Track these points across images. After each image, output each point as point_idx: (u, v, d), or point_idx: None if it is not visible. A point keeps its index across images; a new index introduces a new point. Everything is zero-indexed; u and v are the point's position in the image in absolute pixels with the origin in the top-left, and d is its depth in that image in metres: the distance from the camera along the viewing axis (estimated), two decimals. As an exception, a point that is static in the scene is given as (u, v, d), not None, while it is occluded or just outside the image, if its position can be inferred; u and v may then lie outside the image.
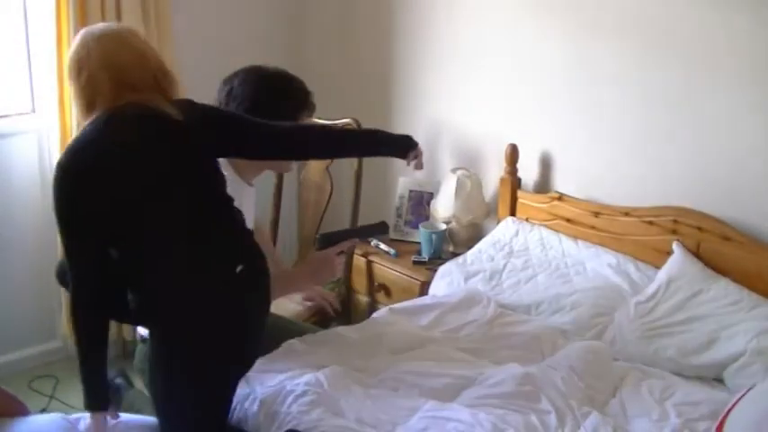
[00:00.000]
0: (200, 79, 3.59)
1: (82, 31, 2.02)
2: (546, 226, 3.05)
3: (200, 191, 1.96)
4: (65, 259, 1.98)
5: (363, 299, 3.33)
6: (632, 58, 2.82)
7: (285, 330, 2.46)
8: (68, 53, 2.01)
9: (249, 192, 2.41)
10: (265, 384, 2.19)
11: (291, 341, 2.42)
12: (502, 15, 3.16)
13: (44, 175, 3.21)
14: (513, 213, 3.17)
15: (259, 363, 2.22)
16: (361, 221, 3.42)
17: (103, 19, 3.06)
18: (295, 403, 2.09)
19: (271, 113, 2.21)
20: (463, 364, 2.35)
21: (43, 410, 2.95)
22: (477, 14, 3.25)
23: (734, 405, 2.02)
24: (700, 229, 2.66)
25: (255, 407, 2.12)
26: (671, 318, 2.50)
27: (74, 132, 3.06)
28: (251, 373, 2.18)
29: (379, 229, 2.68)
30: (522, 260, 2.94)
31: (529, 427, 2.04)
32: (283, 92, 2.36)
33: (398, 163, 3.62)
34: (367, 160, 3.35)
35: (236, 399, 2.11)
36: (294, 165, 2.66)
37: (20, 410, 2.12)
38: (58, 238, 3.06)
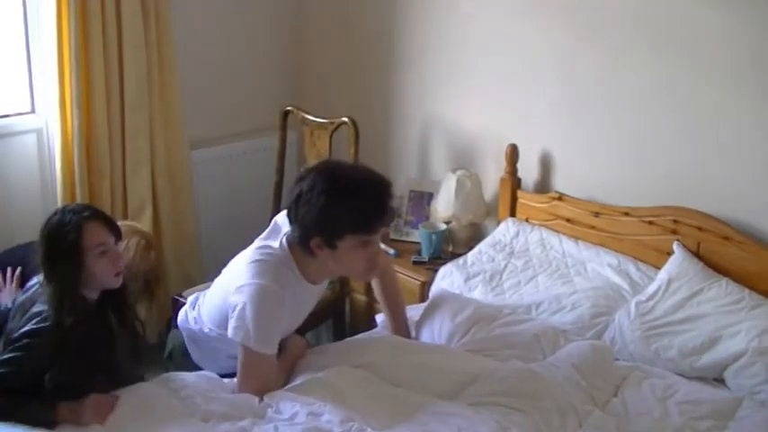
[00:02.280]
0: (200, 79, 3.62)
1: None
2: (546, 226, 3.06)
3: None
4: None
5: (361, 298, 3.33)
6: (633, 58, 2.82)
7: None
8: None
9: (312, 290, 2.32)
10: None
11: None
12: (502, 15, 3.17)
13: (44, 175, 3.21)
14: (513, 213, 3.17)
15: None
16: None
17: (103, 19, 3.05)
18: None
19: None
20: (465, 361, 2.35)
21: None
22: (477, 14, 3.25)
23: None
24: (700, 229, 2.67)
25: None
26: (671, 317, 2.51)
27: (74, 132, 3.07)
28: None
29: None
30: (522, 261, 2.94)
31: (531, 426, 2.05)
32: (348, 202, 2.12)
33: (398, 163, 3.66)
34: (366, 160, 3.34)
35: None
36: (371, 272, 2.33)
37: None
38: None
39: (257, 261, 2.19)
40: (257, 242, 2.30)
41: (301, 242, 2.16)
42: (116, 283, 2.22)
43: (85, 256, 2.12)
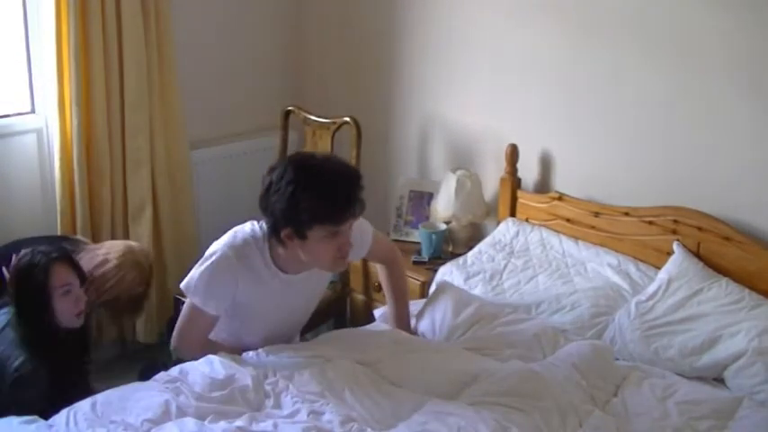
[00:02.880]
0: (200, 79, 3.62)
1: None
2: (546, 226, 3.06)
3: None
4: None
5: (360, 297, 3.33)
6: (632, 58, 2.83)
7: None
8: None
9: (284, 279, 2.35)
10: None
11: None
12: (502, 16, 3.17)
13: (44, 175, 3.21)
14: (513, 213, 3.17)
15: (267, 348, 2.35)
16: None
17: (103, 19, 3.05)
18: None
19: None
20: (466, 361, 2.36)
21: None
22: (477, 15, 3.25)
23: None
24: (700, 229, 2.67)
25: (249, 381, 2.18)
26: (671, 317, 2.51)
27: (74, 132, 3.07)
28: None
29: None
30: (522, 260, 2.94)
31: (531, 425, 2.05)
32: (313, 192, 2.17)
33: (398, 163, 3.66)
34: (366, 160, 3.35)
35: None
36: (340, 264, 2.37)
37: None
38: (58, 239, 3.08)
39: (232, 232, 2.33)
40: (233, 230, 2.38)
41: (272, 231, 2.23)
42: (77, 323, 2.40)
43: (51, 295, 2.31)
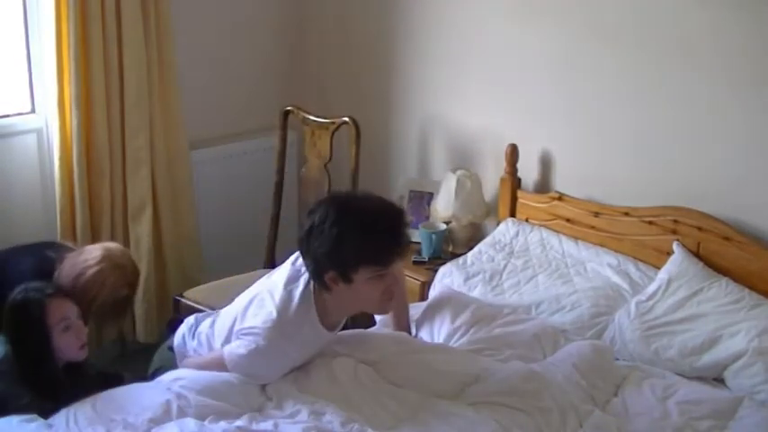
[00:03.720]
0: (200, 79, 3.62)
1: None
2: (546, 226, 3.06)
3: None
4: None
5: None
6: (632, 58, 2.83)
7: None
8: None
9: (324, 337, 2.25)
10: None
11: None
12: (502, 15, 3.17)
13: (44, 175, 3.21)
14: (513, 213, 3.17)
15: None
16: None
17: (103, 19, 3.05)
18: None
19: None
20: (466, 361, 2.36)
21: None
22: (477, 14, 3.25)
23: None
24: (700, 229, 2.67)
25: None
26: (671, 317, 2.51)
27: (73, 132, 3.07)
28: None
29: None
30: (522, 260, 2.94)
31: (532, 425, 2.06)
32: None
33: (398, 163, 3.66)
34: (366, 160, 3.35)
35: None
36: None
37: None
38: (58, 238, 3.08)
39: (284, 293, 2.15)
40: (281, 280, 2.20)
41: (315, 276, 2.10)
42: (81, 356, 2.34)
43: (50, 331, 2.24)
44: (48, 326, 2.23)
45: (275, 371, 2.18)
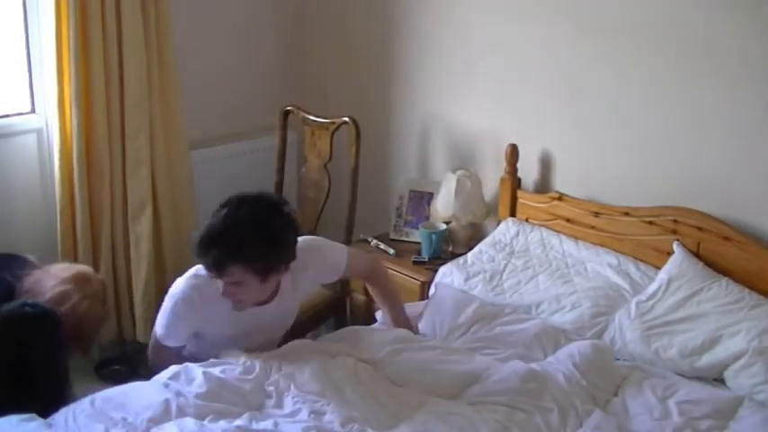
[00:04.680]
0: (200, 79, 3.62)
1: None
2: (546, 226, 3.06)
3: None
4: None
5: (360, 298, 3.33)
6: (632, 58, 2.83)
7: None
8: None
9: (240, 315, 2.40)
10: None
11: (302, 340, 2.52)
12: (502, 15, 3.17)
13: (44, 175, 3.21)
14: (513, 213, 3.17)
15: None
16: (360, 220, 3.43)
17: (103, 19, 3.05)
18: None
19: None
20: (467, 361, 2.36)
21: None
22: (477, 14, 3.25)
23: None
24: (700, 229, 2.67)
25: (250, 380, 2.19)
26: (671, 317, 2.51)
27: (73, 132, 3.07)
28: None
29: None
30: (522, 260, 2.94)
31: (532, 425, 2.06)
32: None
33: (398, 163, 3.66)
34: (366, 160, 3.35)
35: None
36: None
37: None
38: (58, 239, 3.09)
39: (195, 269, 2.37)
40: None
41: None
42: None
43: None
44: (63, 339, 2.28)
45: (184, 332, 2.38)
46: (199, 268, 2.35)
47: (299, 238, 2.38)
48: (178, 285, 2.38)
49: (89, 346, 2.78)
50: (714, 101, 2.65)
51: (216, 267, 2.21)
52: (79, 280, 2.51)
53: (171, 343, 2.42)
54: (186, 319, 2.37)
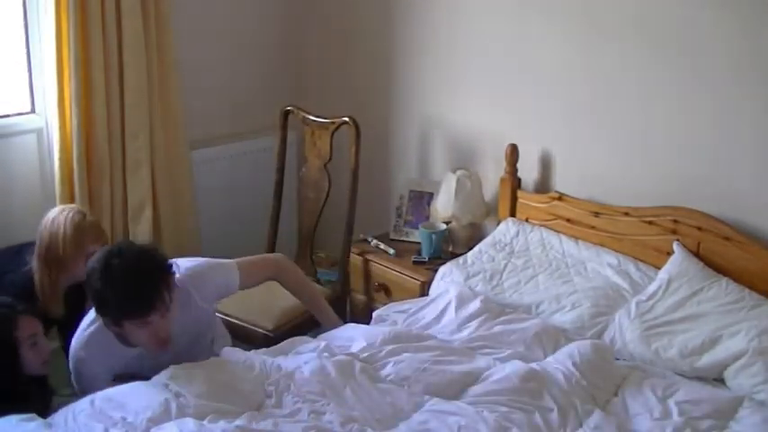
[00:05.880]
0: (200, 79, 3.62)
1: None
2: (546, 226, 3.06)
3: None
4: None
5: (360, 297, 3.33)
6: (633, 58, 2.83)
7: None
8: None
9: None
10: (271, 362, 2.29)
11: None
12: (502, 15, 3.17)
13: (44, 175, 3.21)
14: (513, 213, 3.17)
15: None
16: (360, 220, 3.43)
17: (103, 19, 3.05)
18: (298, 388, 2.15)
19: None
20: (467, 360, 2.36)
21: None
22: (477, 14, 3.25)
23: None
24: (700, 229, 2.67)
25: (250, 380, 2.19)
26: (671, 316, 2.51)
27: (73, 132, 3.07)
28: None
29: None
30: (522, 260, 2.94)
31: (532, 425, 2.06)
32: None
33: (398, 163, 3.66)
34: (366, 160, 3.35)
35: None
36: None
37: None
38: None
39: (83, 332, 2.36)
40: None
41: (99, 317, 2.29)
42: (44, 370, 2.41)
43: (20, 347, 2.28)
44: (18, 341, 2.29)
45: (94, 381, 2.32)
46: (83, 331, 2.36)
47: (184, 265, 2.43)
48: (73, 348, 2.36)
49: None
50: (715, 101, 2.65)
51: (158, 303, 2.22)
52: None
53: (95, 389, 2.29)
54: (97, 372, 2.35)
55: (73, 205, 2.73)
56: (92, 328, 2.35)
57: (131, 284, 2.19)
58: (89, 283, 2.23)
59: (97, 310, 2.26)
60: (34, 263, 2.60)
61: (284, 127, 3.51)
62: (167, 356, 2.34)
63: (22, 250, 2.71)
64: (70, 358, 2.37)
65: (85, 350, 2.34)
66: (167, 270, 2.27)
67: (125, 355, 2.36)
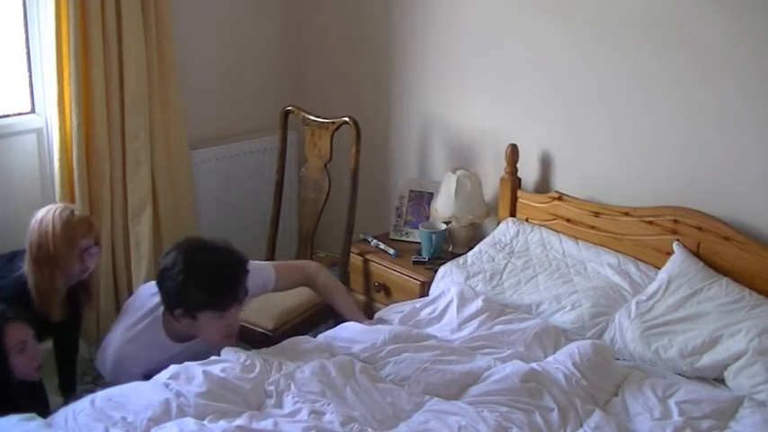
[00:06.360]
0: (200, 79, 3.62)
1: None
2: (546, 226, 3.06)
3: None
4: None
5: (360, 297, 3.33)
6: (633, 58, 2.83)
7: None
8: None
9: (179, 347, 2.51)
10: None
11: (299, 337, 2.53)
12: (502, 15, 3.17)
13: (44, 175, 3.21)
14: (513, 213, 3.17)
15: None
16: (360, 220, 3.43)
17: (103, 19, 3.05)
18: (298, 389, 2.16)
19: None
20: (467, 360, 2.36)
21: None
22: (477, 14, 3.25)
23: None
24: (700, 229, 2.67)
25: (250, 379, 2.19)
26: (671, 316, 2.51)
27: (73, 132, 3.07)
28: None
29: None
30: (522, 260, 2.94)
31: (532, 425, 2.06)
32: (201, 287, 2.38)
33: (398, 163, 3.66)
34: (366, 160, 3.35)
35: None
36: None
37: None
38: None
39: (134, 327, 2.48)
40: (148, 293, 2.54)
41: (167, 309, 2.42)
42: (36, 376, 2.41)
43: (8, 354, 2.26)
44: (5, 348, 2.26)
45: (135, 377, 2.35)
46: (134, 319, 2.47)
47: None
48: (119, 344, 2.45)
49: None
50: (715, 101, 2.65)
51: (241, 295, 2.40)
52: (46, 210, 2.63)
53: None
54: (135, 368, 2.41)
55: (60, 204, 2.71)
56: (141, 325, 2.46)
57: (219, 277, 2.35)
58: (166, 276, 2.34)
59: (173, 304, 2.36)
60: (26, 266, 2.58)
61: (284, 127, 3.51)
62: (213, 353, 2.40)
63: (14, 257, 2.69)
64: (111, 353, 2.44)
65: (134, 346, 2.43)
66: (247, 265, 2.42)
67: (171, 352, 2.45)
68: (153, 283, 2.52)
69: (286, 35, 3.93)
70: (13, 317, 2.34)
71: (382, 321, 2.67)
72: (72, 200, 3.13)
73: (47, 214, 2.60)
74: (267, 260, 3.47)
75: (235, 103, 3.79)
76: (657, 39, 2.75)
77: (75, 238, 2.58)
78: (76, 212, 2.65)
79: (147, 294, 2.53)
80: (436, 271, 3.02)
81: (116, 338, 2.47)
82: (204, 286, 2.33)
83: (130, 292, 3.31)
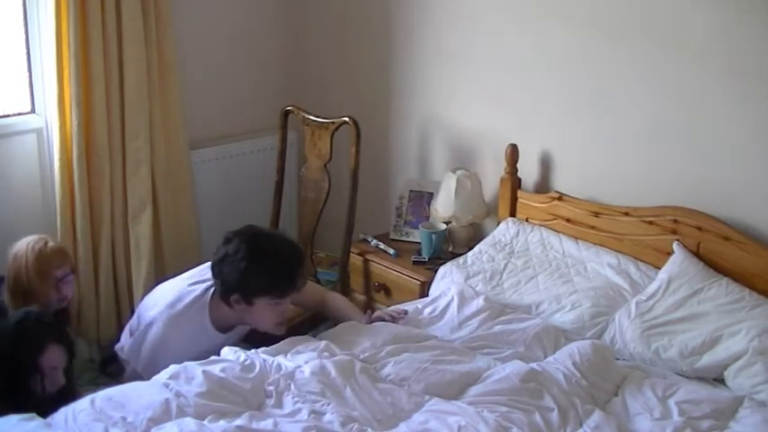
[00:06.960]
0: (200, 79, 3.62)
1: None
2: (546, 226, 3.06)
3: None
4: None
5: (360, 297, 3.33)
6: (633, 58, 2.83)
7: None
8: None
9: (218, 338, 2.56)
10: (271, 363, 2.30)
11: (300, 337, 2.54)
12: (502, 15, 3.17)
13: (44, 175, 3.21)
14: (513, 213, 3.17)
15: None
16: (360, 220, 3.43)
17: (103, 19, 3.05)
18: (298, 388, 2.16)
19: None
20: (467, 360, 2.36)
21: None
22: (477, 14, 3.25)
23: None
24: (700, 229, 2.67)
25: (250, 379, 2.20)
26: (671, 316, 2.51)
27: (74, 132, 3.07)
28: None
29: None
30: (522, 260, 2.94)
31: (532, 425, 2.06)
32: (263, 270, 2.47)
33: (398, 163, 3.66)
34: (366, 160, 3.35)
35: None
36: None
37: None
38: (58, 239, 3.08)
39: (173, 298, 2.54)
40: (188, 278, 2.63)
41: (222, 295, 2.49)
42: (55, 388, 2.31)
43: (39, 372, 2.24)
44: (40, 366, 2.23)
45: (167, 364, 2.32)
46: (174, 304, 2.51)
47: None
48: (158, 313, 2.51)
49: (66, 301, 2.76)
50: (715, 101, 2.65)
51: (300, 283, 2.54)
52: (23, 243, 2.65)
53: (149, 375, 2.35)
54: (173, 351, 2.45)
55: (36, 236, 2.69)
56: (189, 310, 2.51)
57: (281, 265, 2.47)
58: (227, 262, 2.43)
59: (232, 289, 2.45)
60: (5, 297, 2.59)
61: (284, 127, 3.51)
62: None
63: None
64: (152, 335, 2.50)
65: (178, 329, 2.49)
66: (304, 256, 2.60)
67: (212, 341, 2.51)
68: (184, 276, 2.64)
69: (286, 35, 3.93)
70: (59, 339, 2.30)
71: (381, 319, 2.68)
72: (72, 200, 3.13)
73: (21, 247, 2.62)
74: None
75: (235, 103, 3.79)
76: (658, 39, 2.75)
77: (48, 270, 2.61)
78: (50, 243, 2.66)
79: (181, 287, 2.57)
80: (436, 271, 3.02)
81: (157, 323, 2.50)
82: (267, 273, 2.43)
83: (130, 292, 3.32)
